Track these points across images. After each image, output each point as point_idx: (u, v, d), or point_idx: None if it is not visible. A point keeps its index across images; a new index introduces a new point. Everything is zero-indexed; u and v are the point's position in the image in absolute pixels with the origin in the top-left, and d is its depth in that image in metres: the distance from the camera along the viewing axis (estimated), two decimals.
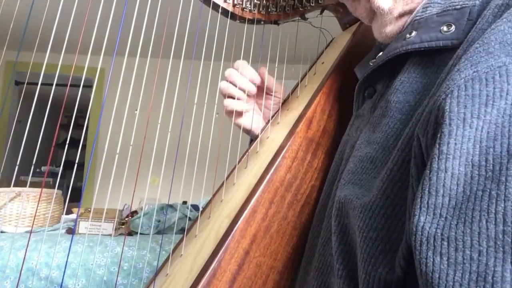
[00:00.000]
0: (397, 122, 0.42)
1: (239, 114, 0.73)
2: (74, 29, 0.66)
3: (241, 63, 0.71)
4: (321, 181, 0.57)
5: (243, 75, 0.70)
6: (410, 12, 0.50)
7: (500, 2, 0.38)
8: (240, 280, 0.49)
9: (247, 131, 0.76)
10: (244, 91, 0.70)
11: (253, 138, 0.75)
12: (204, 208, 0.65)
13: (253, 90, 0.71)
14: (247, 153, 0.68)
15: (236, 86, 0.70)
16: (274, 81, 0.74)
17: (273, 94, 0.75)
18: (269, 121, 0.70)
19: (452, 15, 0.43)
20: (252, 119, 0.74)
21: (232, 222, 0.52)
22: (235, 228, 0.51)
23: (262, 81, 0.72)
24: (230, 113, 0.72)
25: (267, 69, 0.72)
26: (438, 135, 0.31)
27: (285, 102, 0.75)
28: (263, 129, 0.72)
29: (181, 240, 0.61)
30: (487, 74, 0.31)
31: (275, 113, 0.72)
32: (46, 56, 0.61)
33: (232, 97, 0.71)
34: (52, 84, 0.61)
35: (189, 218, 1.58)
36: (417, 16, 0.48)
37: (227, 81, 0.71)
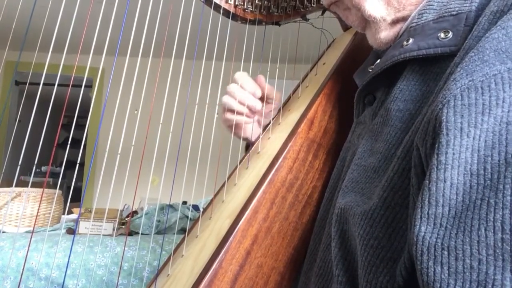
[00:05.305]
0: (398, 131, 0.42)
1: (238, 127, 0.71)
2: (75, 29, 0.66)
3: (240, 76, 0.69)
4: (323, 182, 0.57)
5: (243, 88, 0.68)
6: (403, 19, 0.50)
7: (495, 8, 0.37)
8: (241, 280, 0.49)
9: (245, 139, 0.74)
10: (244, 104, 0.68)
11: (250, 144, 0.73)
12: (205, 209, 0.65)
13: (258, 106, 0.68)
14: (248, 154, 0.68)
15: (236, 100, 0.68)
16: (272, 88, 0.72)
17: (273, 101, 0.73)
18: (269, 122, 0.70)
19: (449, 21, 0.43)
20: (252, 129, 0.73)
21: (234, 223, 0.52)
22: (236, 229, 0.51)
23: (263, 92, 0.70)
24: (230, 127, 0.70)
25: (268, 69, 0.72)
26: (436, 145, 0.31)
27: (286, 102, 0.75)
28: (263, 131, 0.72)
29: (182, 241, 0.61)
30: (482, 82, 0.31)
31: (275, 115, 0.72)
32: (48, 56, 0.61)
33: (232, 111, 0.69)
34: (53, 84, 0.61)
35: (190, 218, 1.58)
36: (413, 23, 0.47)
37: (228, 95, 0.69)
